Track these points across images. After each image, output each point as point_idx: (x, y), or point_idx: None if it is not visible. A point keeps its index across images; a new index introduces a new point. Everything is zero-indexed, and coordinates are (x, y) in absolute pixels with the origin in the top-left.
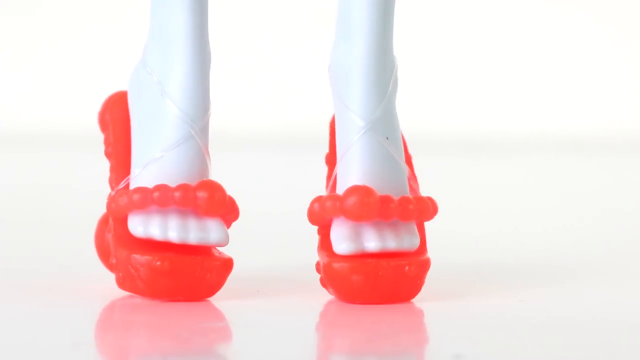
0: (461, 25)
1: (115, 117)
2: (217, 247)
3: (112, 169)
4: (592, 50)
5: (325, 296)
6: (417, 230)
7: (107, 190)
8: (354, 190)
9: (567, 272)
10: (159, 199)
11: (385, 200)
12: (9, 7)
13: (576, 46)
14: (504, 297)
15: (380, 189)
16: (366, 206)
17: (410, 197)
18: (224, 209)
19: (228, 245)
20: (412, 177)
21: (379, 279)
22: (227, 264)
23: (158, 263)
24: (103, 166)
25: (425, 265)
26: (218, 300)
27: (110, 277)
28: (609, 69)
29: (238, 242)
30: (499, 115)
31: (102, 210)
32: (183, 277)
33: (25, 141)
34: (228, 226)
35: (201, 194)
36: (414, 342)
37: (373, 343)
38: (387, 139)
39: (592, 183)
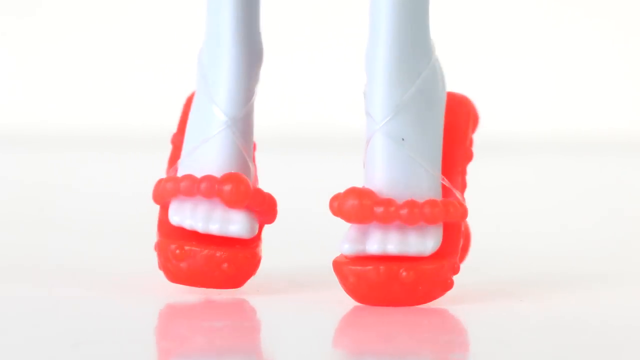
0: (460, 26)
1: (187, 108)
2: (259, 240)
3: (169, 158)
4: (592, 50)
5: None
6: (435, 234)
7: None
8: (350, 192)
9: (567, 272)
10: (185, 189)
11: (385, 203)
12: (9, 7)
13: (576, 46)
14: (504, 297)
15: (387, 192)
16: (354, 209)
17: (418, 200)
18: (248, 201)
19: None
20: (455, 179)
21: (373, 283)
22: (247, 257)
23: (177, 251)
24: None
25: (429, 272)
26: (224, 299)
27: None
28: (609, 69)
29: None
30: (499, 115)
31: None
32: (198, 265)
33: (25, 141)
34: (267, 220)
35: (225, 186)
36: (414, 342)
37: (372, 344)
38: (403, 140)
39: (593, 183)
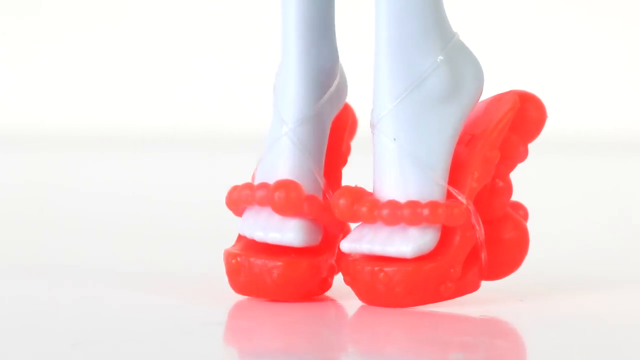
0: (459, 26)
1: None
2: (332, 252)
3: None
4: (593, 50)
5: (334, 295)
6: (419, 236)
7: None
8: (340, 191)
9: (567, 272)
10: (245, 197)
11: (369, 203)
12: (9, 7)
13: (577, 46)
14: (504, 297)
15: (385, 192)
16: (340, 208)
17: (400, 202)
18: (299, 208)
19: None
20: (465, 182)
21: (358, 282)
22: (296, 266)
23: (233, 261)
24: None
25: (407, 274)
26: (224, 299)
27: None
28: (610, 69)
29: None
30: None
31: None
32: (252, 274)
33: (25, 141)
34: (335, 229)
35: (275, 194)
36: (413, 342)
37: (371, 343)
38: (395, 139)
39: (594, 184)
